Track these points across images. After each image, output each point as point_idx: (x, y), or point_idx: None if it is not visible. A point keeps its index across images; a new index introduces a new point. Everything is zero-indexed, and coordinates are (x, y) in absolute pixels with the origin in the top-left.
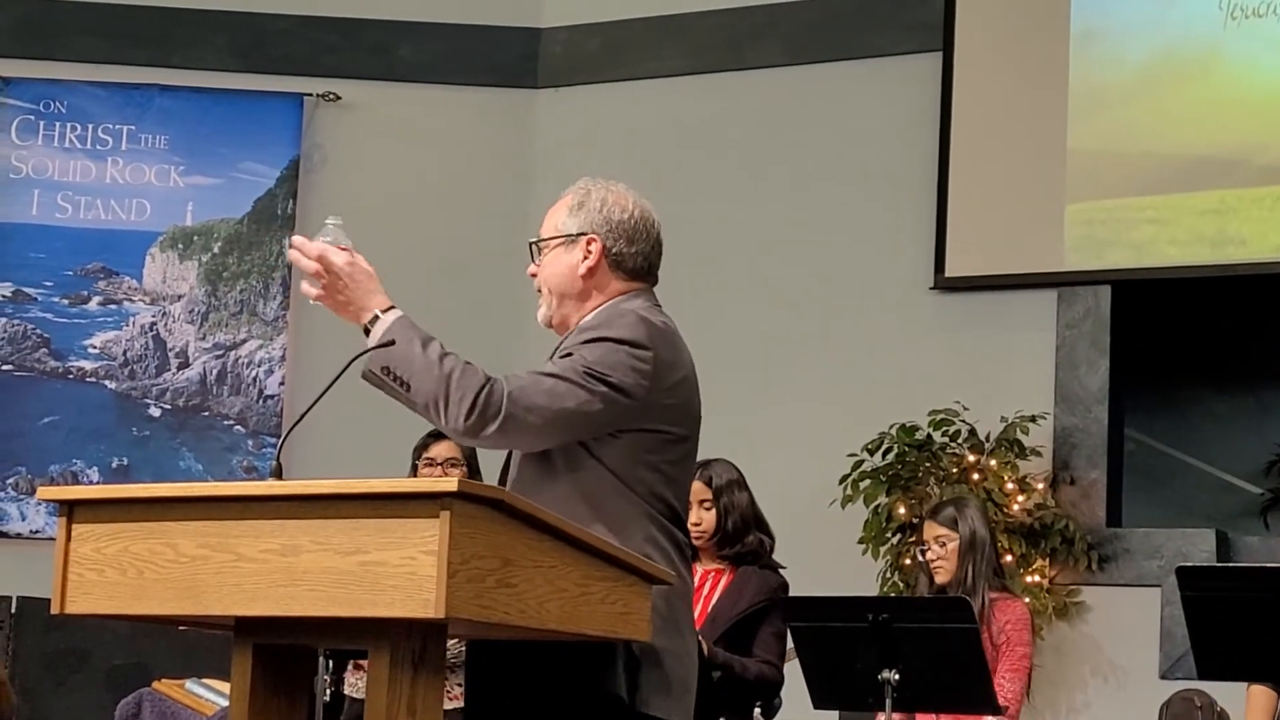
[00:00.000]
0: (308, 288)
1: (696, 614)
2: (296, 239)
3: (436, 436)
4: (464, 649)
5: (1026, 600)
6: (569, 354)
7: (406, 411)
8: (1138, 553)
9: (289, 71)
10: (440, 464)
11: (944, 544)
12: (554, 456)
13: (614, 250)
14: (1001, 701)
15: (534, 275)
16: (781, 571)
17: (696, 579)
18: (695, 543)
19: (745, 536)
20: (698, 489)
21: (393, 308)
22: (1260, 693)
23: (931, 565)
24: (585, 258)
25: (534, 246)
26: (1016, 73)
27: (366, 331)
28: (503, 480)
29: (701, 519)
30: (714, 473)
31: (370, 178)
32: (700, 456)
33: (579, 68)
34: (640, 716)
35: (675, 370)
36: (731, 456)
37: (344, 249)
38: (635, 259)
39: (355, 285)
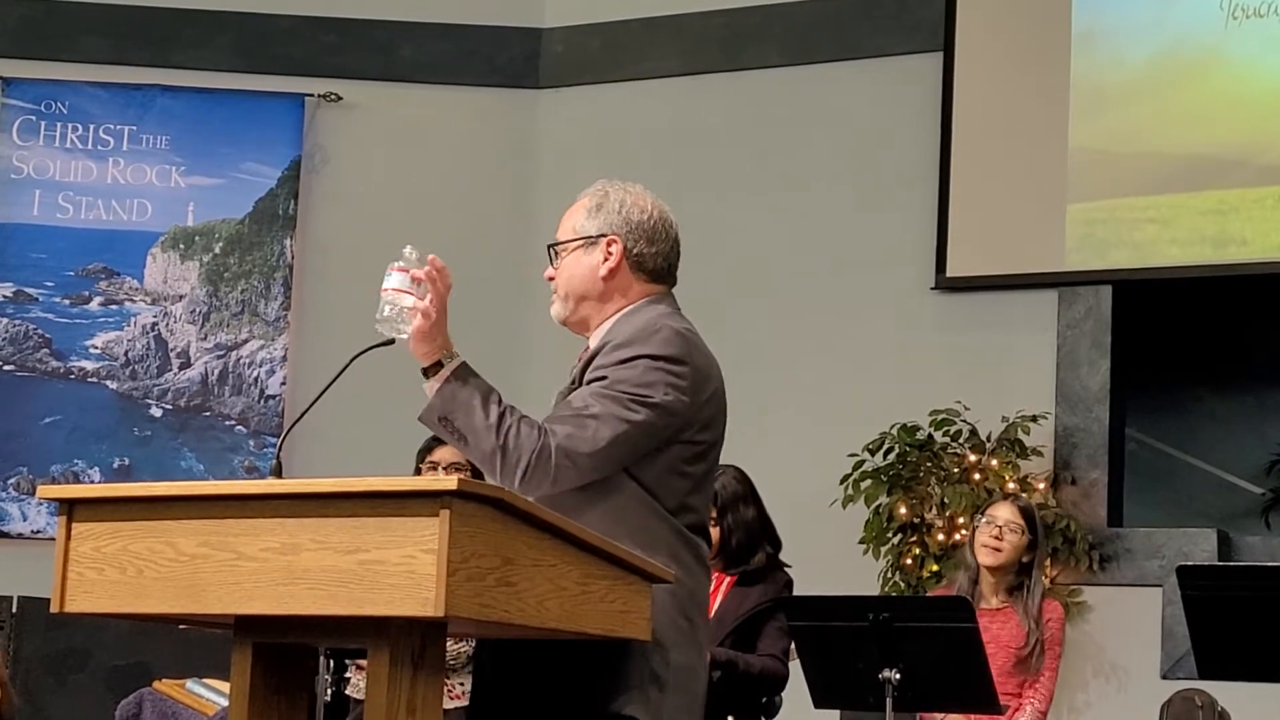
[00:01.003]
0: (418, 304)
1: None
2: (439, 261)
3: (440, 440)
4: (466, 649)
5: None
6: (603, 376)
7: (408, 411)
8: (1139, 552)
9: (290, 72)
10: (445, 468)
11: (1014, 530)
12: None
13: (635, 251)
14: (1040, 705)
15: (551, 279)
16: (788, 570)
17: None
18: None
19: (752, 555)
20: None
21: (456, 354)
22: None
23: (991, 542)
24: (606, 259)
25: (551, 250)
26: (1017, 73)
27: (426, 372)
28: None
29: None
30: (720, 486)
31: (371, 178)
32: None
33: (580, 68)
34: None
35: (709, 381)
36: (732, 456)
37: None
38: (655, 259)
39: (443, 323)
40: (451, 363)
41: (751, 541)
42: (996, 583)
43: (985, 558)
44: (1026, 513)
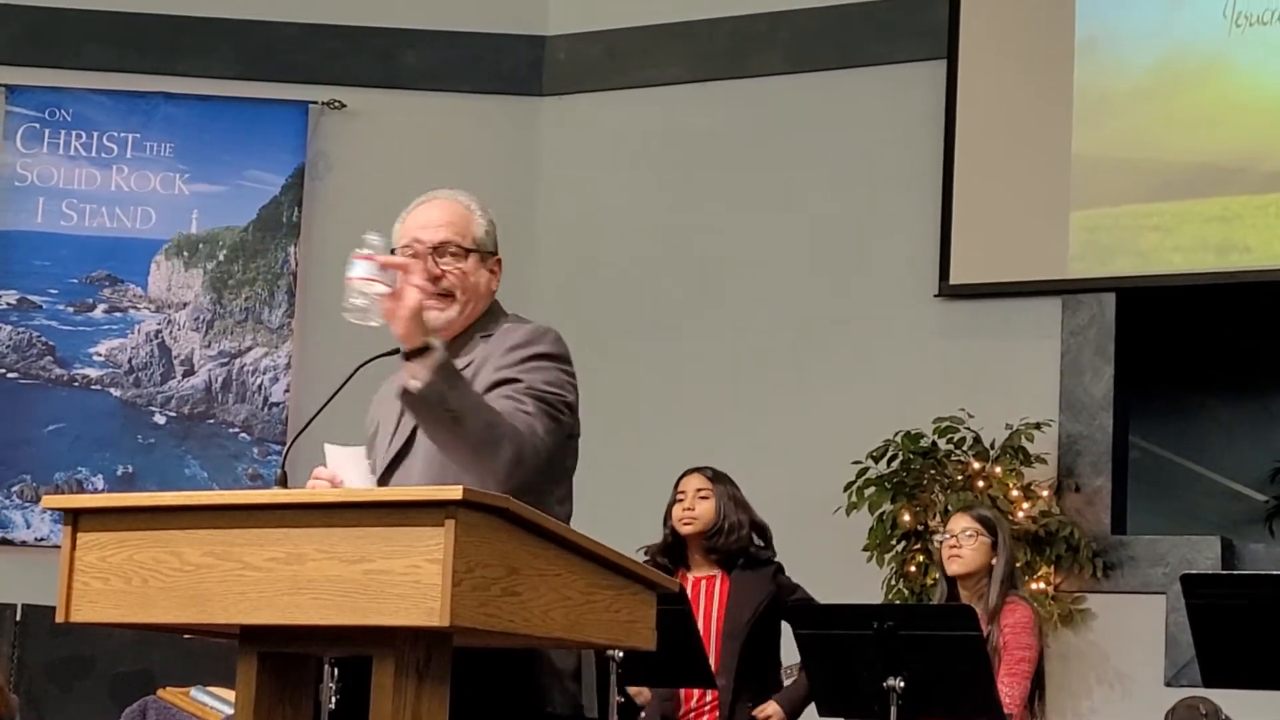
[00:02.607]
0: (405, 288)
1: (701, 626)
2: (399, 261)
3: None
4: None
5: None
6: (515, 379)
7: None
8: (1143, 560)
9: (294, 79)
10: None
11: (971, 536)
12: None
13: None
14: (1005, 708)
15: (445, 276)
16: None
17: (689, 588)
18: (686, 532)
19: (740, 530)
20: (695, 480)
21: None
22: None
23: (950, 554)
24: (492, 277)
25: (457, 248)
26: (1021, 79)
27: (408, 354)
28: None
29: (698, 509)
30: (710, 473)
31: (375, 185)
32: (710, 462)
33: (583, 75)
34: None
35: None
36: (736, 463)
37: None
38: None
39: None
40: (439, 345)
41: (741, 518)
42: (970, 593)
43: (950, 567)
44: (982, 519)
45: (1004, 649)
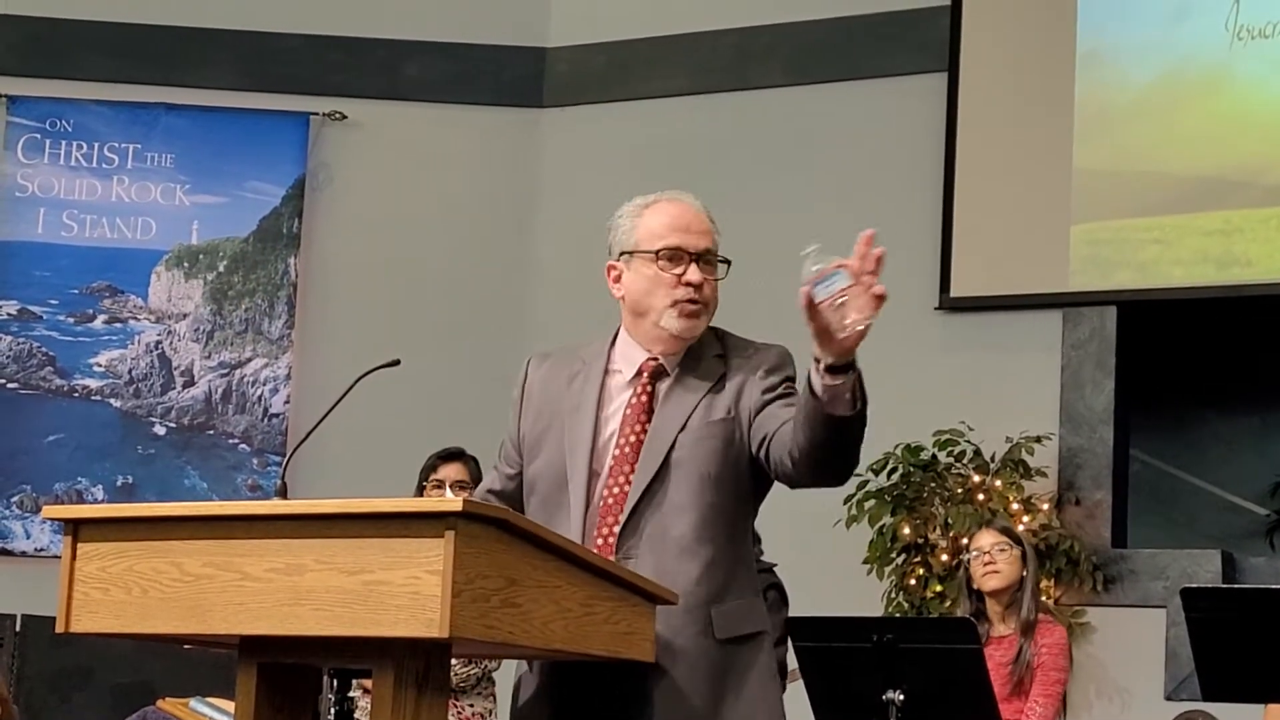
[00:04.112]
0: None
1: None
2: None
3: (445, 458)
4: (476, 671)
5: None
6: (787, 393)
7: (412, 430)
8: (1143, 574)
9: (295, 90)
10: (451, 485)
11: (1004, 550)
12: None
13: None
14: None
15: (706, 283)
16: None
17: None
18: None
19: None
20: None
21: None
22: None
23: (986, 570)
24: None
25: (714, 255)
26: (1022, 93)
27: (834, 369)
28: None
29: None
30: None
31: (376, 197)
32: None
33: (584, 87)
34: None
35: None
36: None
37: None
38: None
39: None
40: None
41: None
42: (1004, 610)
43: (989, 584)
44: (1008, 531)
45: (1039, 668)
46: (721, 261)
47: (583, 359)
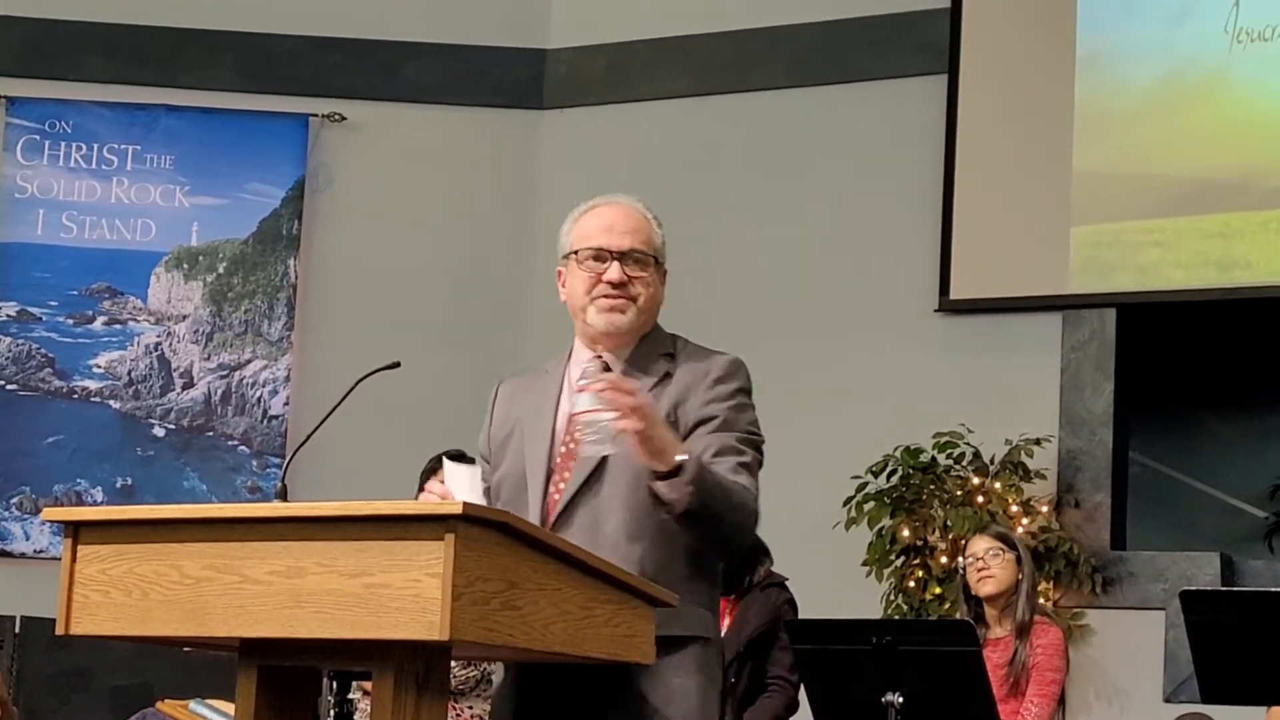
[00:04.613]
0: (622, 425)
1: None
2: (624, 384)
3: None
4: (475, 674)
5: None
6: (727, 420)
7: (411, 433)
8: (1142, 576)
9: (294, 92)
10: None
11: (997, 555)
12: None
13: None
14: None
15: (633, 280)
16: (787, 584)
17: None
18: None
19: (742, 577)
20: None
21: (684, 448)
22: None
23: (981, 575)
24: (661, 287)
25: (649, 257)
26: (1022, 95)
27: (662, 475)
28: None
29: None
30: None
31: (375, 198)
32: None
33: (584, 89)
34: None
35: None
36: None
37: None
38: None
39: (663, 426)
40: (688, 456)
41: (737, 569)
42: (1000, 613)
43: (984, 589)
44: (1001, 536)
45: (1034, 669)
46: (655, 260)
47: (546, 369)
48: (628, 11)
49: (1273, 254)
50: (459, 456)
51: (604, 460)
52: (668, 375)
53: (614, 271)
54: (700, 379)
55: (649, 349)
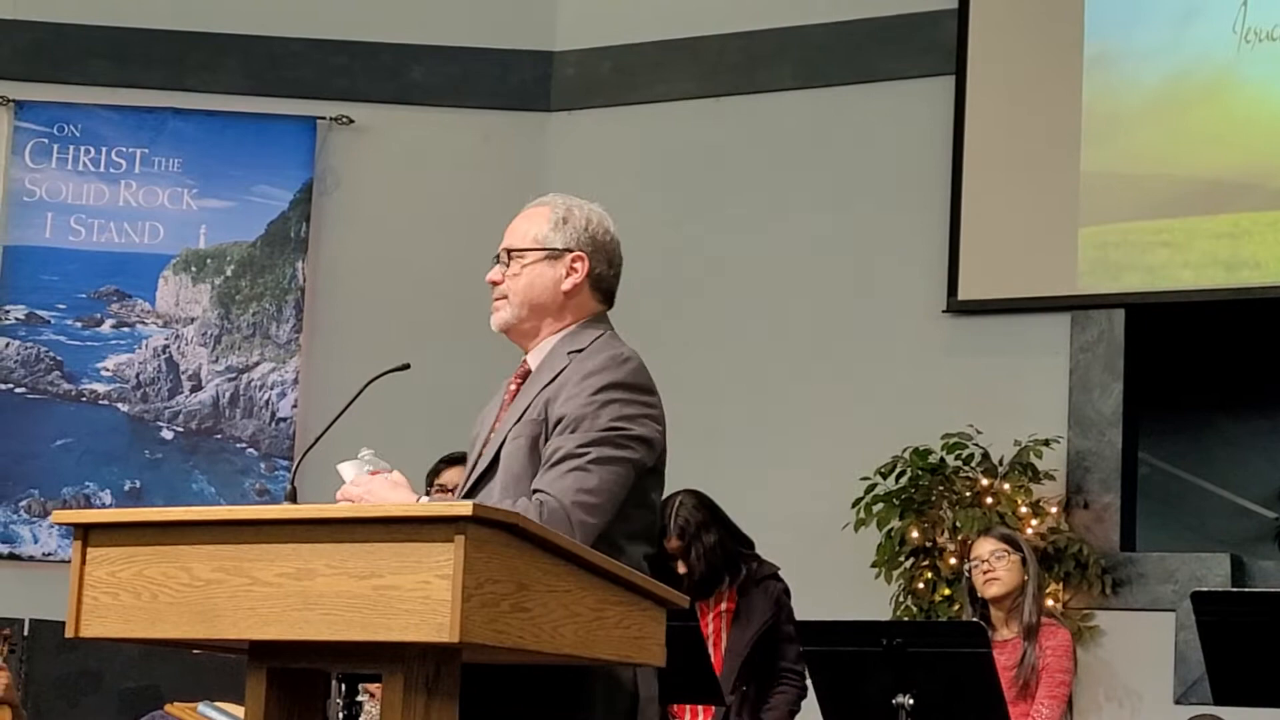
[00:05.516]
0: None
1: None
2: (350, 491)
3: (449, 462)
4: None
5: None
6: (578, 416)
7: (419, 435)
8: (1152, 577)
9: (302, 95)
10: (452, 490)
11: (1001, 557)
12: None
13: (596, 271)
14: None
15: (497, 283)
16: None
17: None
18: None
19: (721, 577)
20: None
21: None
22: None
23: (987, 578)
24: (570, 274)
25: (506, 254)
26: (1030, 96)
27: None
28: None
29: (679, 566)
30: (682, 519)
31: (383, 200)
32: (717, 480)
33: (591, 91)
34: None
35: (660, 405)
36: (743, 479)
37: (376, 472)
38: (611, 281)
39: (375, 494)
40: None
41: (713, 572)
42: (1006, 614)
43: (989, 590)
44: (1006, 537)
45: (1044, 671)
46: (527, 250)
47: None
48: (635, 13)
49: None
50: (460, 460)
51: (494, 462)
52: (560, 373)
53: (491, 272)
54: (575, 377)
55: (561, 348)
